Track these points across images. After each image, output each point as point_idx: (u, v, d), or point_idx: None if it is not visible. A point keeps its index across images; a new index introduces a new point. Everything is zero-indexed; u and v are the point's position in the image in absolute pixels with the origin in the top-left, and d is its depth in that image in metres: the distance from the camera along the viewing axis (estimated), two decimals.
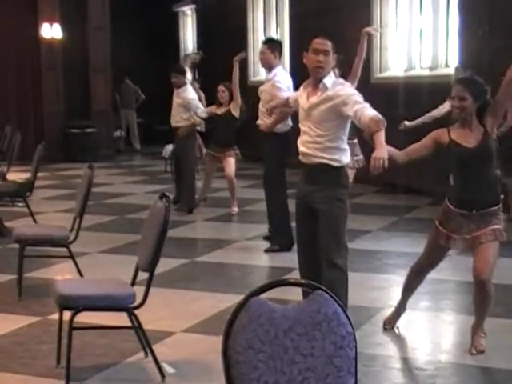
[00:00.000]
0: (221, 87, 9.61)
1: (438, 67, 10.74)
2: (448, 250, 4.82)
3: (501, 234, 4.57)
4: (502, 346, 4.80)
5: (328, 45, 4.93)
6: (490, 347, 4.72)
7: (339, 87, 4.77)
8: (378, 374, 4.50)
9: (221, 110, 9.60)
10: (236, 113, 9.44)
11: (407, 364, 4.62)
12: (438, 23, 10.68)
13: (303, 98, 4.94)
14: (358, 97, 4.73)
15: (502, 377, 4.38)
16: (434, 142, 4.66)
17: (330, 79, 4.84)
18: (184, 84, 9.84)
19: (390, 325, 5.09)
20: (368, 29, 7.18)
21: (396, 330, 5.08)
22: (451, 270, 6.48)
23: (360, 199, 9.99)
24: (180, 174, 9.96)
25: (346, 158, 4.84)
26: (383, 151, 4.28)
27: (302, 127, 4.91)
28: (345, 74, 7.31)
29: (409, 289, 5.05)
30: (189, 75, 10.31)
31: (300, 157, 4.93)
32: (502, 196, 4.65)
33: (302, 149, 4.88)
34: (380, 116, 4.50)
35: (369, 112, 4.54)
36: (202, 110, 9.78)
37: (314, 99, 4.83)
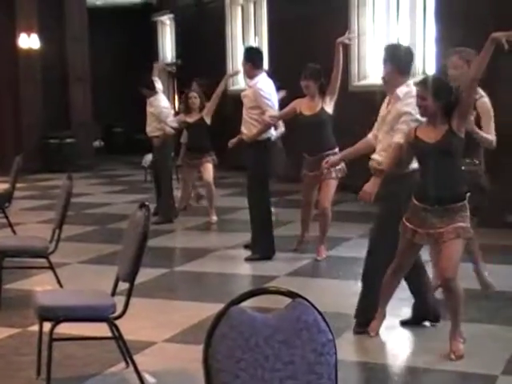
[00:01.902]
0: (193, 94, 9.67)
1: (416, 75, 10.81)
2: (418, 249, 4.85)
3: (464, 232, 4.61)
4: (482, 351, 4.83)
5: (383, 55, 5.24)
6: (470, 353, 4.75)
7: (410, 100, 4.97)
8: (358, 380, 4.52)
9: (192, 118, 9.62)
10: (208, 120, 9.49)
11: (388, 370, 4.64)
12: (415, 31, 10.76)
13: (383, 107, 5.21)
14: (410, 118, 4.96)
15: (484, 382, 4.41)
16: (407, 144, 4.78)
17: (404, 89, 5.06)
18: (154, 94, 9.80)
19: (374, 332, 5.10)
20: (341, 39, 7.21)
21: (377, 337, 5.10)
22: (432, 277, 6.51)
23: (341, 206, 10.02)
24: (159, 184, 9.96)
25: None
26: (374, 187, 4.84)
27: (378, 135, 5.16)
28: (323, 84, 7.35)
29: (387, 293, 5.07)
30: (159, 84, 10.25)
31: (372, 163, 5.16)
32: (468, 194, 4.69)
33: (375, 156, 5.12)
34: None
35: (394, 139, 4.92)
36: (172, 119, 9.75)
37: (388, 108, 5.10)
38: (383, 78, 5.26)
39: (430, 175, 4.64)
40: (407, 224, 4.74)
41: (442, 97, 4.57)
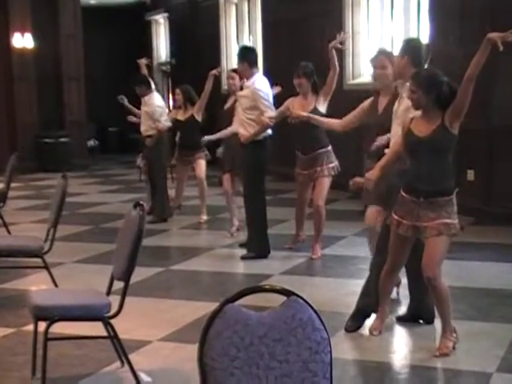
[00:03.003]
0: (177, 90, 9.76)
1: None
2: (408, 243, 4.81)
3: (446, 229, 4.60)
4: (476, 348, 4.84)
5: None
6: (465, 350, 4.77)
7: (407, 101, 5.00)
8: (353, 378, 4.53)
9: (183, 116, 9.66)
10: (199, 117, 9.54)
11: (383, 368, 4.64)
12: (409, 30, 10.77)
13: (396, 102, 5.35)
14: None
15: (478, 380, 4.41)
16: (402, 136, 4.82)
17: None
18: (150, 92, 9.79)
19: (376, 331, 5.08)
20: (333, 43, 7.21)
21: (372, 335, 5.10)
22: None
23: (334, 205, 10.04)
24: (153, 183, 9.95)
25: None
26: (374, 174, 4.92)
27: (391, 130, 5.29)
28: (316, 82, 7.34)
29: (385, 292, 5.07)
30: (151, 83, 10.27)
31: None
32: (457, 189, 4.71)
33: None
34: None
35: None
36: (165, 118, 9.75)
37: (400, 101, 5.22)
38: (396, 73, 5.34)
39: (418, 168, 4.64)
40: (393, 215, 4.77)
41: (432, 90, 4.56)
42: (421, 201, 4.62)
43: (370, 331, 5.11)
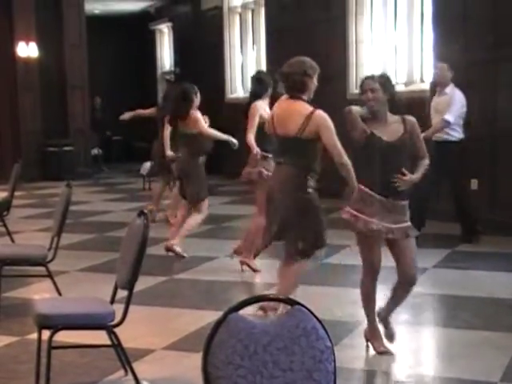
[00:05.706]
0: None
1: (414, 82, 10.84)
2: (378, 242, 4.89)
3: (412, 231, 4.80)
4: (481, 358, 4.83)
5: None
6: (469, 359, 4.76)
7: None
8: None
9: None
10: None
11: (387, 377, 4.64)
12: (413, 39, 10.80)
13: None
14: None
15: None
16: None
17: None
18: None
19: (384, 347, 4.94)
20: None
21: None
22: (431, 284, 6.52)
23: (336, 214, 10.00)
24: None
25: None
26: None
27: None
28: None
29: (370, 300, 5.02)
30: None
31: None
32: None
33: None
34: None
35: None
36: None
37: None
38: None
39: (391, 171, 4.76)
40: (359, 215, 4.96)
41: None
42: (389, 202, 4.71)
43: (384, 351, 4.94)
